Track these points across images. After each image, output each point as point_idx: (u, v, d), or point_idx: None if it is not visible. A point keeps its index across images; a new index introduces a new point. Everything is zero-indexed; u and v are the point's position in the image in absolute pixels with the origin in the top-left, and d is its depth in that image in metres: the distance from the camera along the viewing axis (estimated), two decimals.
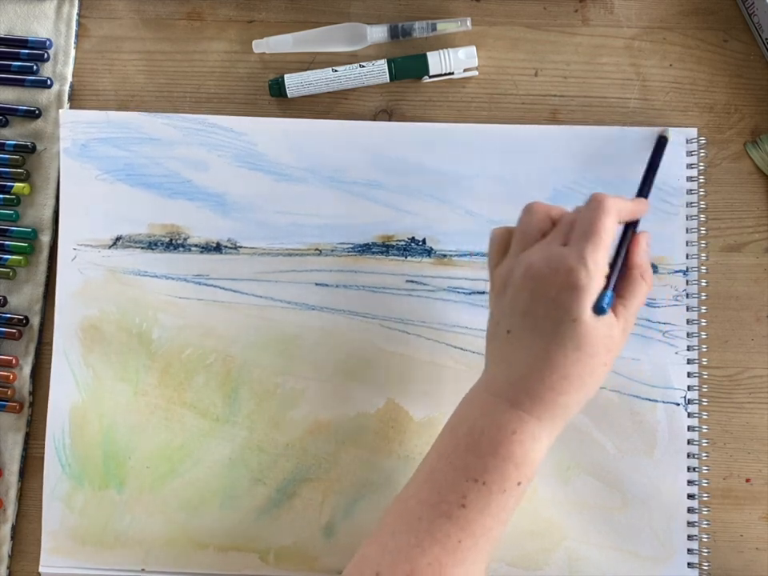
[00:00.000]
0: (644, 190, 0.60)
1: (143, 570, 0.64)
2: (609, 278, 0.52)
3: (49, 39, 0.67)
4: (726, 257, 0.65)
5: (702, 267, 0.64)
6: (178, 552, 0.63)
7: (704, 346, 0.64)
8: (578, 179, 0.64)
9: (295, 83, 0.65)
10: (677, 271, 0.64)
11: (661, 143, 0.63)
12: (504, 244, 0.56)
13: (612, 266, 0.53)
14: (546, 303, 0.51)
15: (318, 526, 0.63)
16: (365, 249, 0.65)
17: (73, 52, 0.67)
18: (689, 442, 0.63)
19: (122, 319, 0.65)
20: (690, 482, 0.63)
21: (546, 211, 0.55)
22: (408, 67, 0.65)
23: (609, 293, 0.51)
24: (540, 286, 0.51)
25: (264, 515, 0.63)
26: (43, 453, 0.64)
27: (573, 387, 0.51)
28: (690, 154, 0.64)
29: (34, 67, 0.66)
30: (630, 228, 0.56)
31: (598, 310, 0.50)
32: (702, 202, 0.64)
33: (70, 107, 0.67)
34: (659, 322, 0.64)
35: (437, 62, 0.65)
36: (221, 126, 0.65)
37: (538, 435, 0.51)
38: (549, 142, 0.64)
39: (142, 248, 0.65)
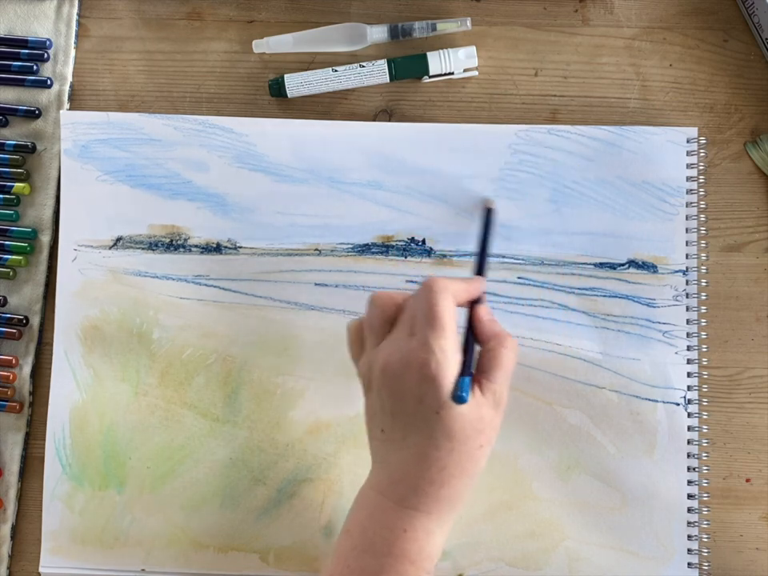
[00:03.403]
0: (480, 267, 0.59)
1: (143, 570, 0.64)
2: (463, 362, 0.51)
3: (49, 39, 0.67)
4: (726, 257, 0.65)
5: (702, 267, 0.64)
6: (178, 552, 0.64)
7: (704, 346, 0.64)
8: (578, 179, 0.64)
9: (295, 83, 0.65)
10: (677, 271, 0.64)
11: (489, 215, 0.62)
12: (360, 338, 0.55)
13: (464, 349, 0.52)
14: (408, 400, 0.50)
15: (317, 526, 0.64)
16: (364, 249, 0.65)
17: (73, 52, 0.67)
18: (689, 442, 0.63)
19: (123, 319, 0.65)
20: (689, 482, 0.63)
21: (390, 299, 0.54)
22: (408, 67, 0.65)
23: (465, 379, 0.50)
24: (398, 384, 0.51)
25: (264, 515, 0.64)
26: (43, 453, 0.64)
27: (453, 476, 0.51)
28: (690, 153, 0.64)
29: (34, 67, 0.66)
30: (473, 306, 0.55)
31: (457, 399, 0.50)
32: (701, 202, 0.64)
33: (70, 107, 0.67)
34: (659, 322, 0.64)
35: (437, 61, 0.65)
36: (221, 127, 0.65)
37: (430, 529, 0.51)
38: (548, 141, 0.64)
39: (143, 248, 0.65)
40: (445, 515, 0.52)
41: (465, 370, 0.51)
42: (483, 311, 0.55)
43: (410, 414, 0.51)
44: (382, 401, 0.52)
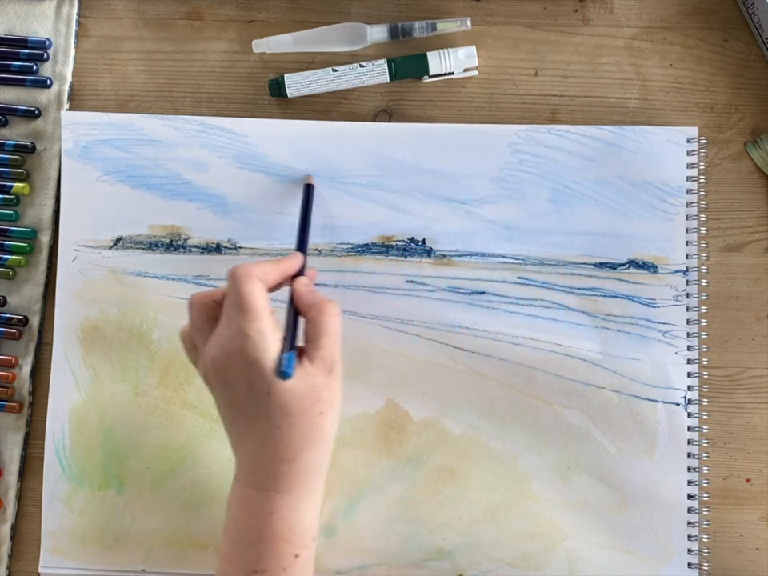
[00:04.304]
0: (300, 244, 0.60)
1: (143, 570, 0.64)
2: (284, 339, 0.51)
3: (48, 39, 0.67)
4: (726, 257, 0.65)
5: (702, 267, 0.64)
6: (177, 552, 0.64)
7: (704, 346, 0.64)
8: (578, 179, 0.64)
9: (295, 83, 0.65)
10: (677, 271, 0.64)
11: (308, 191, 0.63)
12: (192, 342, 0.55)
13: (287, 327, 0.53)
14: (239, 388, 0.51)
15: None
16: (364, 249, 0.65)
17: (73, 52, 0.67)
18: (689, 442, 0.63)
19: (123, 320, 0.65)
20: (690, 482, 0.63)
21: (207, 298, 0.54)
22: (408, 67, 0.65)
23: (286, 355, 0.50)
24: (227, 376, 0.51)
25: None
26: (43, 453, 0.64)
27: (301, 449, 0.51)
28: (690, 153, 0.64)
29: (34, 67, 0.66)
30: (292, 281, 0.56)
31: (281, 375, 0.50)
32: (702, 202, 0.64)
33: (70, 107, 0.67)
34: (659, 322, 0.64)
35: (437, 61, 0.65)
36: (221, 128, 0.65)
37: (296, 505, 0.52)
38: (548, 141, 0.64)
39: (143, 249, 0.65)
40: (307, 488, 0.52)
41: (286, 346, 0.51)
42: (300, 284, 0.55)
43: (245, 402, 0.51)
44: (219, 397, 0.53)
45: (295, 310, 0.54)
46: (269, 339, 0.50)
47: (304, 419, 0.51)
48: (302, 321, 0.54)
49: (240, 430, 0.52)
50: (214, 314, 0.53)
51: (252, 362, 0.50)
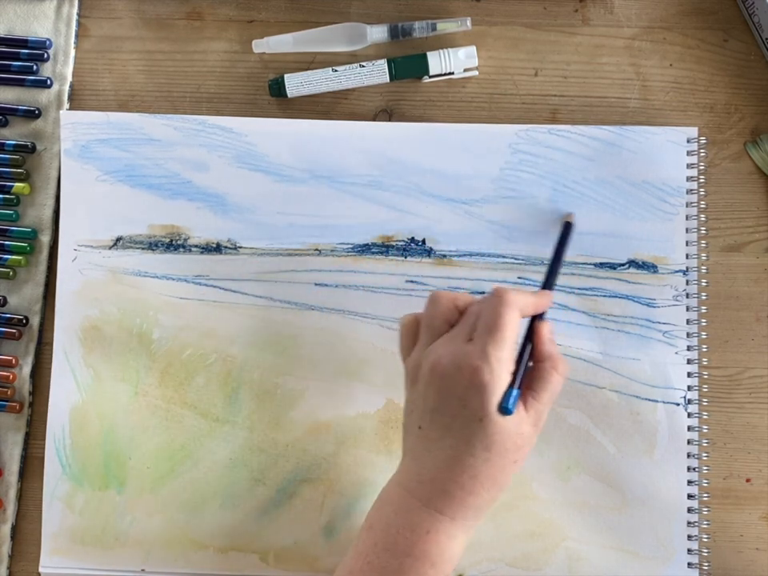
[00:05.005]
0: (549, 282, 0.59)
1: (143, 570, 0.64)
2: (515, 374, 0.51)
3: (49, 39, 0.67)
4: (726, 257, 0.65)
5: (702, 267, 0.64)
6: (177, 552, 0.63)
7: (704, 346, 0.64)
8: (578, 179, 0.64)
9: (295, 83, 0.65)
10: (677, 271, 0.64)
11: (566, 230, 0.62)
12: (413, 332, 0.55)
13: (518, 361, 0.52)
14: (453, 402, 0.51)
15: (318, 527, 0.63)
16: (364, 249, 0.65)
17: (73, 52, 0.67)
18: (689, 442, 0.63)
19: (123, 320, 0.65)
20: (690, 482, 0.63)
21: (452, 300, 0.54)
22: (408, 67, 0.65)
23: (513, 391, 0.50)
24: (446, 385, 0.51)
25: (264, 516, 0.63)
26: (43, 453, 0.64)
27: (483, 486, 0.51)
28: (690, 153, 0.64)
29: (34, 67, 0.66)
30: (535, 320, 0.55)
31: (503, 410, 0.50)
32: (702, 202, 0.64)
33: (70, 107, 0.67)
34: (659, 322, 0.64)
35: (437, 62, 0.65)
36: (221, 127, 0.65)
37: (453, 533, 0.51)
38: (548, 141, 0.64)
39: (143, 249, 0.65)
40: (469, 522, 0.52)
41: (515, 382, 0.51)
42: (546, 330, 0.55)
43: (452, 416, 0.51)
44: (425, 398, 0.52)
45: (524, 351, 0.54)
46: (504, 372, 0.50)
47: (500, 460, 0.51)
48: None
49: (430, 437, 0.52)
50: (453, 319, 0.54)
51: (480, 386, 0.50)
